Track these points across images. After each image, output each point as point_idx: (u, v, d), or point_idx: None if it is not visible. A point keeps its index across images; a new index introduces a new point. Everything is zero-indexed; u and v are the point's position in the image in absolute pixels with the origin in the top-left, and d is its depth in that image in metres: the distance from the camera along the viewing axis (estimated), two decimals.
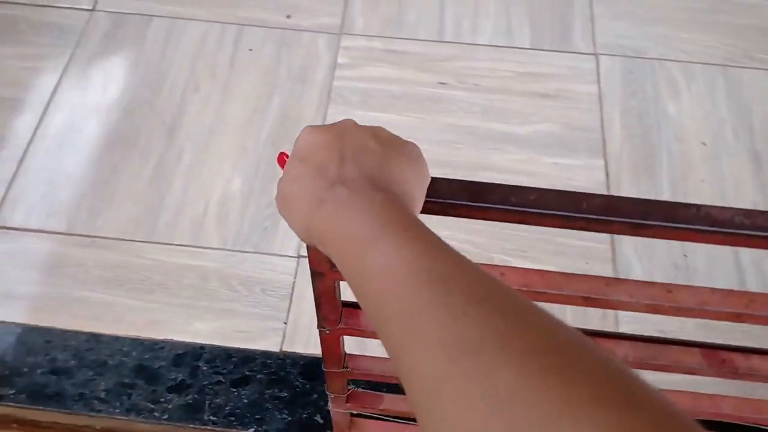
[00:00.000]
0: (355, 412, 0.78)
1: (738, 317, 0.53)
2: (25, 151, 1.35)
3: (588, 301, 0.52)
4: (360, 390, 0.76)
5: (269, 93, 1.47)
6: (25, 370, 1.07)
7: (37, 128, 1.38)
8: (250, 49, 1.54)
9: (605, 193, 1.36)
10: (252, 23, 1.58)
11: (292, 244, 1.25)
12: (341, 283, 0.54)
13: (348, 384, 0.73)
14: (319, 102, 1.46)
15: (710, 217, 0.44)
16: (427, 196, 0.43)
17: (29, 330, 1.11)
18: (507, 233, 1.27)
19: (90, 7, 1.59)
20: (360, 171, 0.36)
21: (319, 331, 0.60)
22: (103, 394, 1.05)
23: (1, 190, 1.29)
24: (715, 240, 0.45)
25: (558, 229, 0.47)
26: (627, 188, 1.38)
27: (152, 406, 1.04)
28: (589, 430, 0.22)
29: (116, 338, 1.11)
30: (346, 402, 0.75)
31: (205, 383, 1.07)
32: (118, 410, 1.04)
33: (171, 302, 1.17)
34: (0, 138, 1.36)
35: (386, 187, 0.36)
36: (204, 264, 1.21)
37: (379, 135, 0.39)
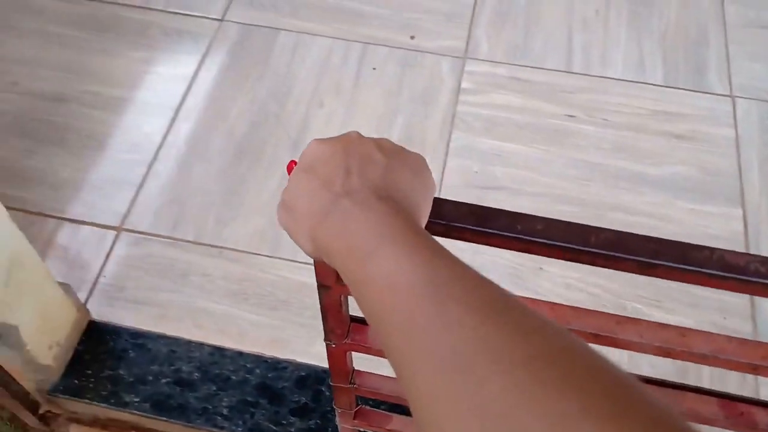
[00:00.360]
0: (362, 429, 0.77)
1: (754, 369, 0.51)
2: (155, 157, 1.37)
3: (596, 339, 0.51)
4: (368, 408, 0.75)
5: (392, 113, 1.45)
6: (150, 378, 1.07)
7: (166, 134, 1.40)
8: (374, 68, 1.53)
9: (743, 246, 1.28)
10: (376, 42, 1.57)
11: None
12: (350, 298, 0.54)
13: (357, 401, 0.72)
14: (443, 126, 1.43)
15: (724, 262, 0.42)
16: (434, 217, 0.43)
17: (155, 337, 1.12)
18: (642, 281, 1.21)
19: (219, 17, 1.61)
20: (365, 183, 0.36)
21: (326, 344, 0.61)
22: (226, 411, 1.04)
23: (130, 194, 1.31)
24: (728, 287, 0.43)
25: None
26: (767, 241, 1.29)
27: (275, 427, 1.03)
28: None
29: (240, 354, 1.10)
30: (354, 419, 0.74)
31: (327, 409, 1.04)
32: (240, 429, 1.03)
33: (294, 321, 1.15)
34: (131, 141, 1.39)
35: (390, 197, 0.36)
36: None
37: (383, 146, 0.40)
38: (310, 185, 0.38)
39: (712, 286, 0.43)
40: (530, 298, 0.53)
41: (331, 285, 0.52)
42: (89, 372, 1.08)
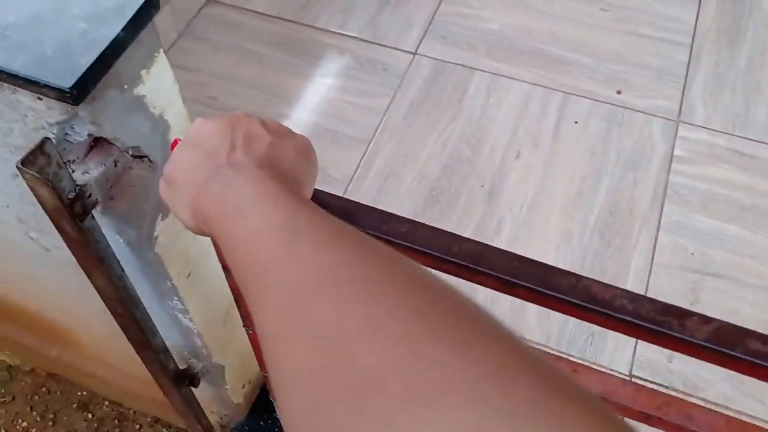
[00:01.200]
0: None
1: (647, 418, 0.50)
2: (345, 190, 1.33)
3: None
4: None
5: (596, 175, 1.34)
6: None
7: (358, 167, 1.36)
8: (576, 122, 1.43)
9: None
10: (578, 93, 1.47)
11: (623, 357, 1.10)
12: None
13: None
14: (654, 196, 1.31)
15: (588, 293, 0.41)
16: None
17: None
18: None
19: (412, 50, 1.56)
20: (248, 156, 0.37)
21: (245, 329, 0.61)
22: None
23: None
24: (590, 318, 0.41)
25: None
26: None
27: None
28: (379, 343, 0.23)
29: None
30: None
31: None
32: None
33: None
34: (325, 171, 1.36)
35: (272, 168, 0.37)
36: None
37: (269, 125, 0.40)
38: (194, 158, 0.38)
39: (574, 316, 0.41)
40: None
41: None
42: (275, 415, 1.03)
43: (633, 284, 1.18)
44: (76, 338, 1.05)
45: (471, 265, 0.43)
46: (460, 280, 0.43)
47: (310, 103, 1.47)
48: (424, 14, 1.62)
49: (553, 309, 0.42)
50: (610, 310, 0.41)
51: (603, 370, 0.53)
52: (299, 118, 1.44)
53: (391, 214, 0.45)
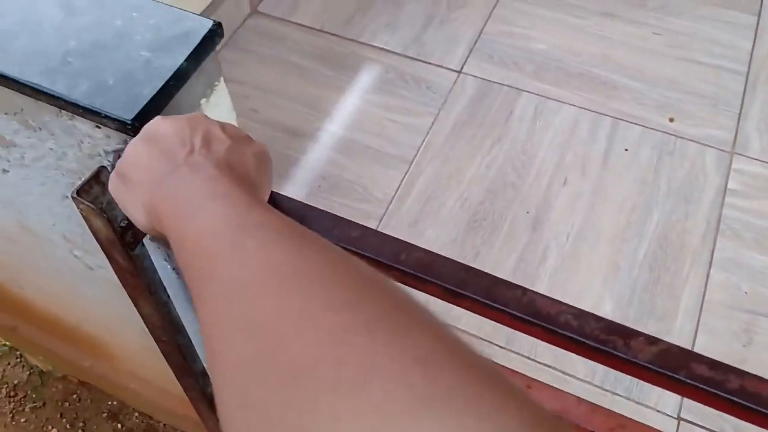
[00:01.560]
0: None
1: None
2: (386, 211, 1.30)
3: None
4: None
5: (647, 206, 1.30)
6: None
7: (399, 187, 1.34)
8: (626, 149, 1.38)
9: None
10: (629, 119, 1.43)
11: (671, 399, 1.06)
12: None
13: None
14: (706, 230, 1.26)
15: (533, 307, 0.40)
16: None
17: None
18: None
19: (458, 69, 1.53)
20: (206, 157, 0.37)
21: None
22: None
23: None
24: (534, 333, 0.41)
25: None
26: None
27: None
28: (313, 333, 0.23)
29: None
30: None
31: None
32: None
33: None
34: (363, 190, 1.33)
35: (229, 168, 0.37)
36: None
37: (228, 129, 0.40)
38: (150, 156, 0.38)
39: (518, 330, 0.41)
40: None
41: None
42: None
43: (683, 322, 1.14)
44: (111, 352, 1.04)
45: (418, 274, 0.43)
46: (408, 288, 0.42)
47: (352, 119, 1.45)
48: (470, 32, 1.60)
49: (497, 321, 0.41)
50: (554, 325, 0.40)
51: (562, 389, 0.52)
52: (340, 134, 1.42)
53: (342, 218, 0.45)
